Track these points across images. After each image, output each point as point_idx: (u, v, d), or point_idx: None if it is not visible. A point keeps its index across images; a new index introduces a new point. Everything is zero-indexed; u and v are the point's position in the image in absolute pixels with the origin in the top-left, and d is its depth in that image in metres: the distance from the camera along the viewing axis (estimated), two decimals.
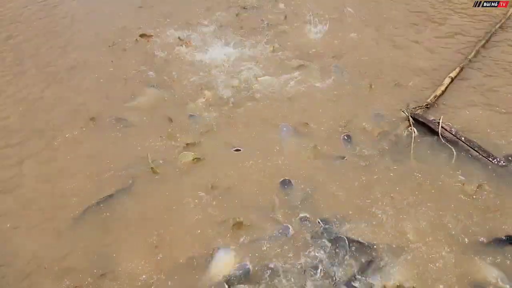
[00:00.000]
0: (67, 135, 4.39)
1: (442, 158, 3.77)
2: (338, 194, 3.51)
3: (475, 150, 3.73)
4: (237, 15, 6.76)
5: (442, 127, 3.93)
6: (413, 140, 3.93)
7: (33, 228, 3.42)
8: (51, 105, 4.90)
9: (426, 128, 4.04)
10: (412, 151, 3.84)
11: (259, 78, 5.07)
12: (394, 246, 3.04)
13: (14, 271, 3.09)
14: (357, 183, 3.59)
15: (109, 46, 6.06)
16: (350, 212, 3.34)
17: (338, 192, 3.53)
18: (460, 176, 3.55)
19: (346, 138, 4.05)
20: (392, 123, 4.20)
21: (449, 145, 3.84)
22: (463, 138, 3.83)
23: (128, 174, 3.82)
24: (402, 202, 3.37)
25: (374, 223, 3.23)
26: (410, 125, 4.08)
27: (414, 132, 4.01)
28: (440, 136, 3.90)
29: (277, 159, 3.88)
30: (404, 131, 4.07)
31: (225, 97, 4.80)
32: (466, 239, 3.03)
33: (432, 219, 3.21)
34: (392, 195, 3.44)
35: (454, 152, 3.77)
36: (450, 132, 3.90)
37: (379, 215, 3.28)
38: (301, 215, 3.34)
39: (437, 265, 2.88)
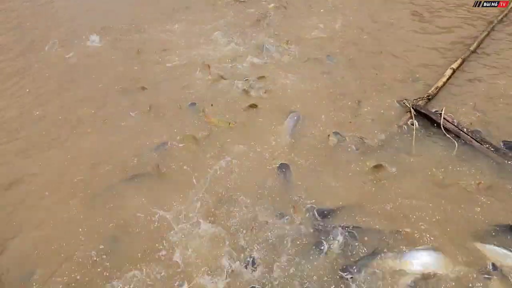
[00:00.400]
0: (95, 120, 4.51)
1: (443, 149, 3.73)
2: (338, 183, 3.49)
3: (477, 141, 3.69)
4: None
5: (444, 118, 3.90)
6: (414, 132, 3.89)
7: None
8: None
9: (428, 119, 4.01)
10: (413, 142, 3.80)
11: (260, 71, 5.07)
12: (398, 236, 3.00)
13: None
14: (358, 174, 3.56)
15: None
16: (352, 202, 3.30)
17: (338, 181, 3.50)
18: (462, 167, 3.51)
19: (335, 134, 3.99)
20: (394, 114, 4.17)
21: (450, 137, 3.80)
22: (465, 129, 3.80)
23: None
24: (404, 194, 3.33)
25: (376, 213, 3.19)
26: (411, 117, 4.04)
27: (416, 124, 3.97)
28: (442, 128, 3.86)
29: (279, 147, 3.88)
30: (406, 123, 4.03)
31: (228, 90, 4.80)
32: (472, 229, 2.99)
33: (436, 209, 3.17)
34: (394, 186, 3.40)
35: (456, 144, 3.73)
36: (452, 124, 3.87)
37: (381, 207, 3.24)
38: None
39: (446, 252, 2.85)
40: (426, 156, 3.68)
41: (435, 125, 3.94)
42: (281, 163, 3.66)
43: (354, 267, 2.78)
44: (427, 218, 3.10)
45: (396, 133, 3.95)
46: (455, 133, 3.80)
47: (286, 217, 3.17)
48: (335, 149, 3.83)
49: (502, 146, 3.65)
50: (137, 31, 6.34)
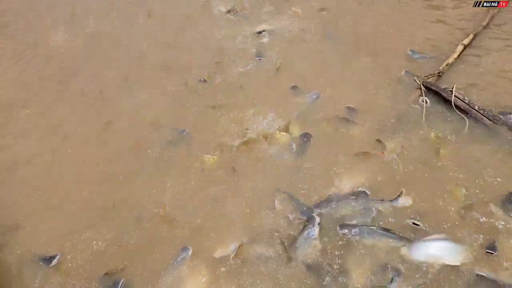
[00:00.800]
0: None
1: (454, 126, 3.71)
2: (349, 160, 3.55)
3: (488, 119, 3.67)
4: None
5: (455, 95, 3.87)
6: (424, 109, 3.88)
7: None
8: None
9: (439, 96, 3.98)
10: (424, 119, 3.80)
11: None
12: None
13: None
14: (369, 151, 3.60)
15: None
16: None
17: (349, 158, 3.57)
18: (473, 144, 3.51)
19: (349, 109, 4.04)
20: (404, 92, 4.15)
21: (461, 114, 3.77)
22: (476, 107, 3.77)
23: None
24: (415, 173, 3.36)
25: (386, 192, 3.24)
26: (422, 94, 4.02)
27: (426, 101, 3.96)
28: (453, 105, 3.84)
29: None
30: (416, 100, 4.00)
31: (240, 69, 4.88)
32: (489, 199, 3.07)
33: (448, 184, 3.22)
34: (403, 165, 3.43)
35: (467, 121, 3.71)
36: (463, 101, 3.84)
37: (391, 185, 3.29)
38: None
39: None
40: (436, 133, 3.67)
41: (446, 102, 3.91)
42: (304, 133, 3.81)
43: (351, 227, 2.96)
44: (440, 194, 3.14)
45: (407, 110, 3.93)
46: (466, 111, 3.78)
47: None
48: (346, 125, 3.87)
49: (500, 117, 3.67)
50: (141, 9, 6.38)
